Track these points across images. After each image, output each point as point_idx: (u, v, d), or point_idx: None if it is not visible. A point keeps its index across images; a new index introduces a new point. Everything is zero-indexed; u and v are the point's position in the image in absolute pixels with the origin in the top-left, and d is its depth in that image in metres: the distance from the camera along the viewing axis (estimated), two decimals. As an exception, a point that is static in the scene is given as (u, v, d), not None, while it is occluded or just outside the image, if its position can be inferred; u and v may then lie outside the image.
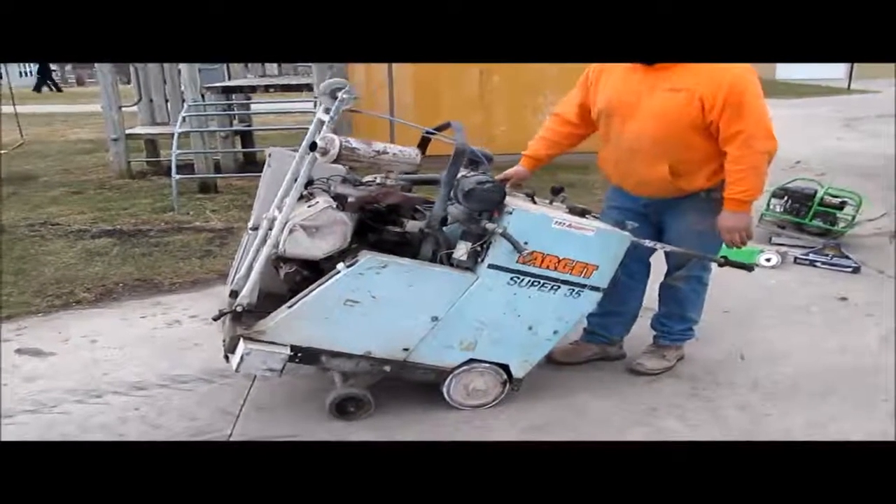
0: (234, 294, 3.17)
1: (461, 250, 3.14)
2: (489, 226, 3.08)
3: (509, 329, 3.31)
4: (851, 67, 26.42)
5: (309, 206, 3.12)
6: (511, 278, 3.19)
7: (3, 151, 9.93)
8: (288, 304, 3.08)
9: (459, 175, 3.20)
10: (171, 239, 6.34)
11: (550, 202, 3.61)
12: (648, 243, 3.46)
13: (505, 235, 3.05)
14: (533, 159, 3.76)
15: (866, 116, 15.61)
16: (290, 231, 3.02)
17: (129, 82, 10.62)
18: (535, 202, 3.52)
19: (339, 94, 3.09)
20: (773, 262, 5.57)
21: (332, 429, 3.27)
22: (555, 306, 3.30)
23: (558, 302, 3.29)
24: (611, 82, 3.42)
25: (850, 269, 5.45)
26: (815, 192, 6.25)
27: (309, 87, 8.71)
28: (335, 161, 3.11)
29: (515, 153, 3.85)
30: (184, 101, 8.76)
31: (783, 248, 5.84)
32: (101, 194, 8.31)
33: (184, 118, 8.11)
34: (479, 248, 3.16)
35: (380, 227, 3.30)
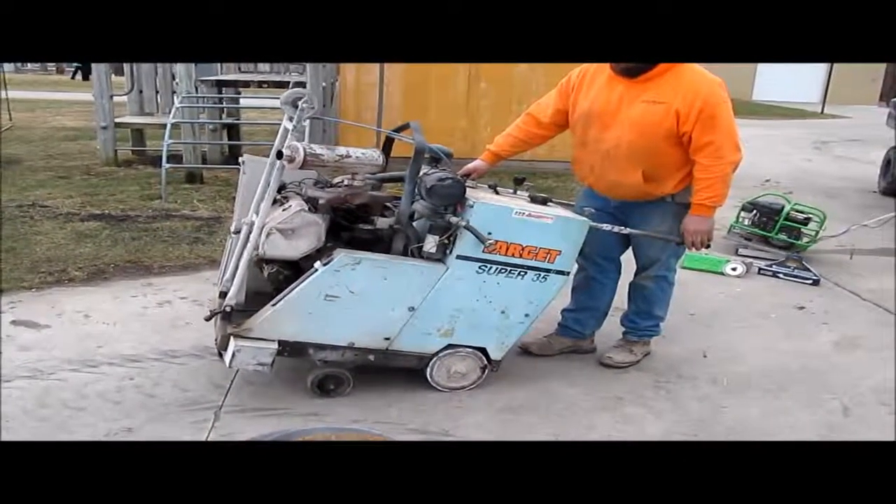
0: (223, 295, 3.39)
1: (430, 243, 3.37)
2: (453, 219, 3.30)
3: (483, 315, 3.52)
4: (825, 92, 26.91)
5: (283, 210, 3.34)
6: (479, 267, 3.41)
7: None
8: (272, 302, 3.30)
9: (421, 172, 3.42)
10: (160, 225, 6.48)
11: (514, 191, 3.82)
12: (606, 227, 3.68)
13: (468, 228, 3.27)
14: (496, 155, 3.96)
15: (836, 140, 15.99)
16: (268, 234, 3.24)
17: (116, 73, 10.68)
18: (497, 193, 3.73)
19: (300, 104, 3.28)
20: (738, 272, 5.83)
21: (318, 404, 3.48)
22: (524, 291, 3.51)
23: (527, 287, 3.50)
24: (593, 90, 3.64)
25: (810, 282, 5.72)
26: (783, 207, 6.51)
27: (302, 84, 8.88)
28: (301, 167, 3.29)
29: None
30: (174, 92, 8.91)
31: (749, 259, 6.10)
32: (87, 180, 8.41)
33: (177, 109, 8.26)
34: (446, 241, 3.38)
35: (352, 225, 3.51)
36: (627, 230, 3.72)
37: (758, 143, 13.33)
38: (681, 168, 3.60)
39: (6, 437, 3.09)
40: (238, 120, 10.60)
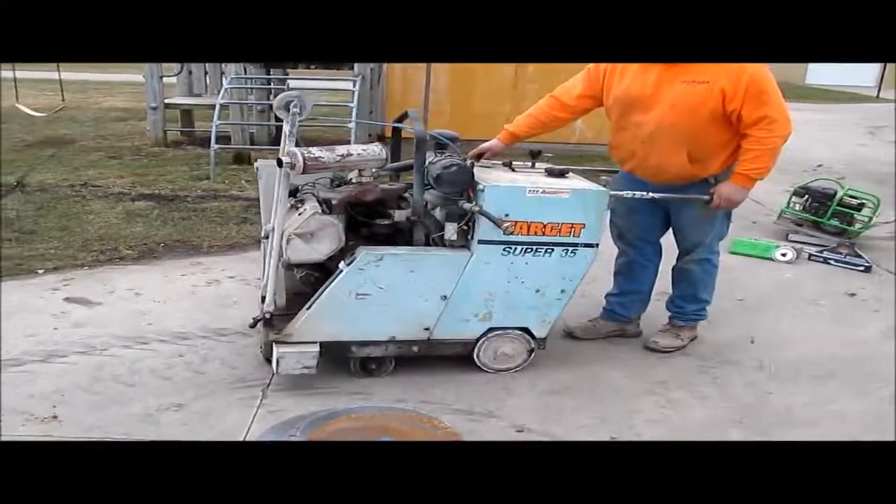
0: (264, 300, 3.44)
1: (450, 231, 3.38)
2: (466, 206, 3.30)
3: (518, 295, 3.51)
4: (882, 76, 26.25)
5: (299, 214, 3.35)
6: (504, 249, 3.39)
7: (43, 115, 10.17)
8: (306, 306, 3.35)
9: (428, 161, 3.41)
10: (208, 205, 6.59)
11: (532, 165, 3.76)
12: (628, 194, 3.63)
13: (482, 213, 3.26)
14: (513, 135, 3.90)
15: (891, 125, 15.60)
16: (288, 240, 3.26)
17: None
18: (513, 170, 3.69)
19: (291, 108, 3.28)
20: (788, 258, 5.75)
21: (364, 383, 3.52)
22: (555, 268, 3.48)
23: (556, 263, 3.47)
24: (628, 74, 3.59)
25: (861, 268, 5.62)
26: (836, 192, 6.40)
27: (349, 66, 8.92)
28: (303, 172, 3.27)
29: (545, 142, 4.01)
30: (223, 73, 9.00)
31: (799, 245, 6.01)
32: (137, 160, 8.56)
33: (226, 90, 8.34)
34: (465, 227, 3.38)
35: (370, 221, 3.52)
36: (650, 195, 3.65)
37: (810, 128, 13.06)
38: (725, 147, 3.56)
39: (61, 411, 3.17)
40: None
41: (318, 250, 3.31)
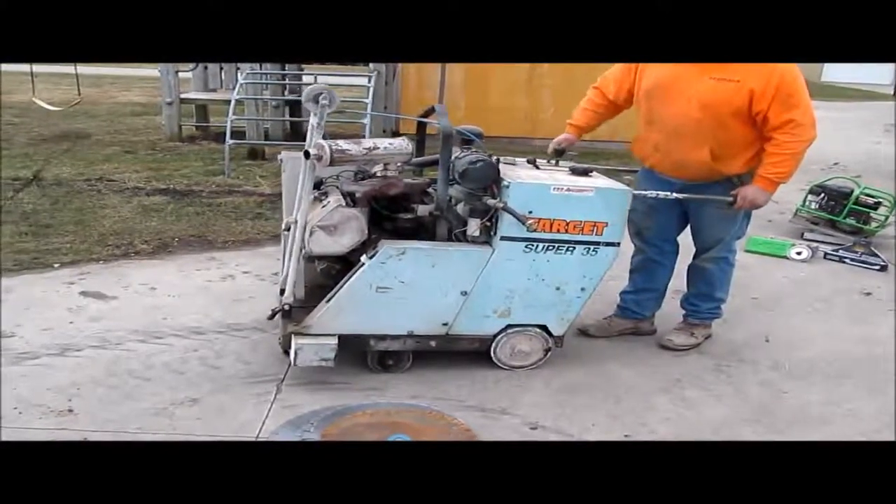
0: (283, 292, 3.44)
1: (472, 227, 3.38)
2: (490, 202, 3.30)
3: (537, 293, 3.51)
4: (898, 73, 26.08)
5: (323, 207, 3.35)
6: (526, 246, 3.39)
7: (59, 109, 10.19)
8: (326, 298, 3.35)
9: (454, 156, 3.41)
10: (223, 200, 6.60)
11: (556, 163, 3.76)
12: (651, 194, 3.62)
13: (507, 209, 3.26)
14: (579, 128, 3.93)
15: (908, 123, 15.49)
16: (311, 233, 3.27)
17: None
18: (537, 168, 3.68)
19: (320, 100, 3.28)
20: (803, 256, 5.72)
21: (378, 379, 3.53)
22: (576, 266, 3.47)
23: (578, 261, 3.46)
24: (658, 67, 3.58)
25: (877, 267, 5.59)
26: (852, 190, 6.36)
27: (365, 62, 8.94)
28: (330, 164, 3.27)
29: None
30: (238, 68, 9.01)
31: (814, 244, 5.98)
32: (152, 155, 8.58)
33: (241, 85, 8.36)
34: (488, 223, 3.38)
35: (394, 215, 3.51)
36: (674, 195, 3.63)
37: (826, 126, 12.82)
38: (750, 146, 3.54)
39: (76, 404, 3.19)
40: (301, 96, 10.64)
41: (341, 243, 3.32)
